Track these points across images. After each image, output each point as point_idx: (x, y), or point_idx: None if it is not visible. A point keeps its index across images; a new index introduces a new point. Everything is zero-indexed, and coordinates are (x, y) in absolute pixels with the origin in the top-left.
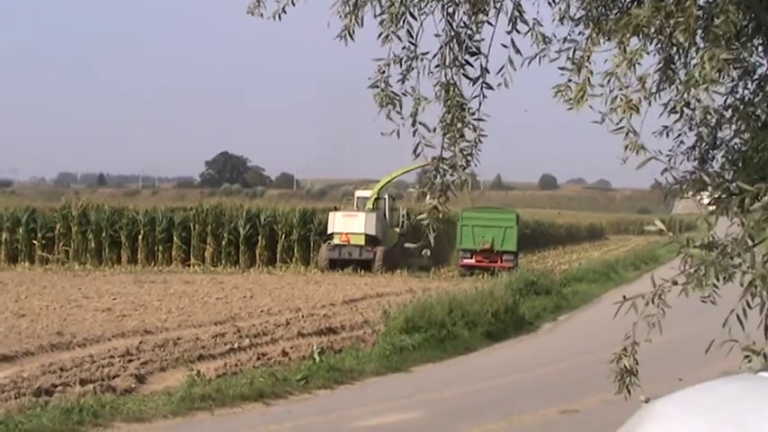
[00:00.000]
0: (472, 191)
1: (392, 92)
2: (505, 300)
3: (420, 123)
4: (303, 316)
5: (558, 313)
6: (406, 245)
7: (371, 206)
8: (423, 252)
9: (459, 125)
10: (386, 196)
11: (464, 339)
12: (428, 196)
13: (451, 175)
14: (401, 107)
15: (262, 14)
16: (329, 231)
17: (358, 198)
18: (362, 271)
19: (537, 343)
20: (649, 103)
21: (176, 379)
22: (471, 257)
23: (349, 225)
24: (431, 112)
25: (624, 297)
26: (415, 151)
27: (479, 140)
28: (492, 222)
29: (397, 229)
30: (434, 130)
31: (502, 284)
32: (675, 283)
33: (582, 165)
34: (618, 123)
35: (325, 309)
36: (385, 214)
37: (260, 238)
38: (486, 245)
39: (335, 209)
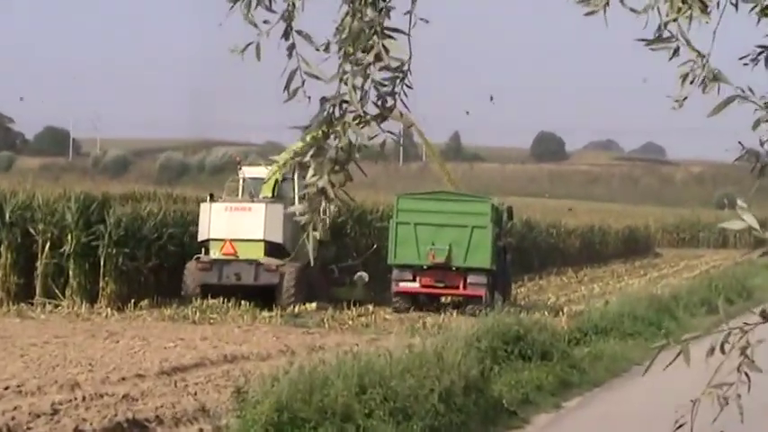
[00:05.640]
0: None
1: None
2: (466, 369)
3: (297, 32)
4: (85, 398)
5: (563, 395)
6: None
7: (271, 194)
8: (356, 276)
9: (375, 38)
10: (294, 177)
11: None
12: (310, 170)
13: (356, 131)
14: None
15: None
16: (201, 237)
17: (247, 180)
18: (259, 304)
19: None
20: (735, 5)
21: None
22: (414, 279)
23: (237, 226)
24: (324, 21)
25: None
26: (288, 86)
27: (408, 68)
28: (449, 219)
29: (317, 234)
30: (326, 47)
31: (459, 340)
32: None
33: (611, 118)
34: (661, 30)
35: (127, 384)
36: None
37: (3, 249)
38: (440, 258)
39: (211, 197)
